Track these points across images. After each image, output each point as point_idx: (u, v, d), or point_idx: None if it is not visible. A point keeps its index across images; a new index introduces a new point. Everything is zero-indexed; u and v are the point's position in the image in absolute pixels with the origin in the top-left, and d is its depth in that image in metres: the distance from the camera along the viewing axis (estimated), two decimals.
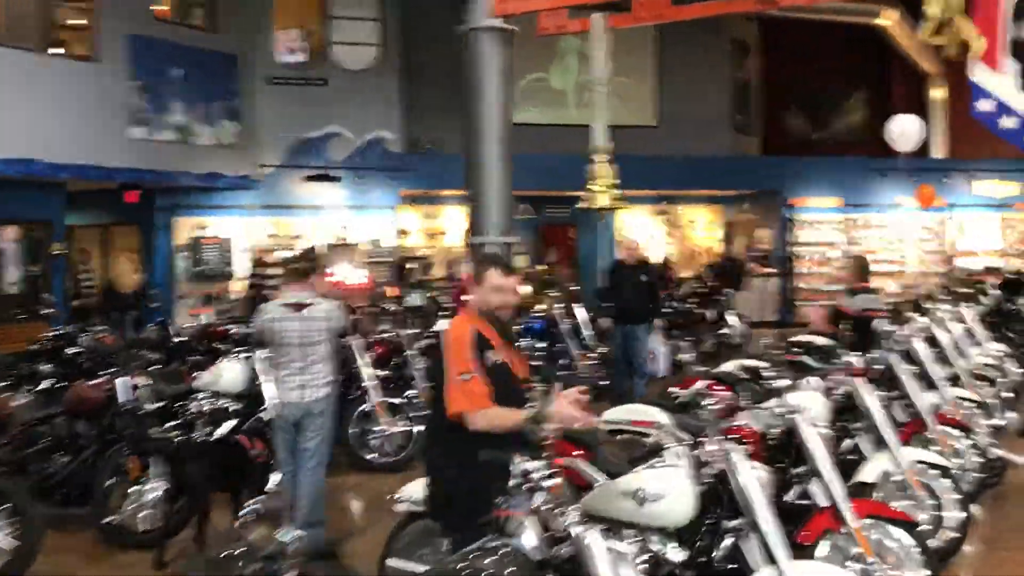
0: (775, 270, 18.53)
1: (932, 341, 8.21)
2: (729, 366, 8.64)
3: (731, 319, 14.41)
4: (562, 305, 11.10)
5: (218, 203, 15.69)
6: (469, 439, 3.54)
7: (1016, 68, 5.65)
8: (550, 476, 2.63)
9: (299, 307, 5.70)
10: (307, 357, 5.71)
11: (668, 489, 3.63)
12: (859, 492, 5.29)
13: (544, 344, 10.68)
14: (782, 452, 4.60)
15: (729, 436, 4.60)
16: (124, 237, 16.34)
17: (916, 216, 18.58)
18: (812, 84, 24.09)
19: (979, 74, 5.87)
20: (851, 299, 7.36)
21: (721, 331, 14.23)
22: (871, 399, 5.40)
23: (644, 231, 20.82)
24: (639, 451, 4.25)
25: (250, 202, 15.78)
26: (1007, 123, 5.86)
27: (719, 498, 3.75)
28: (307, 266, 5.85)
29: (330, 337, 5.83)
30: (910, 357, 7.44)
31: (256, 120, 15.72)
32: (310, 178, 15.68)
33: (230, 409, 6.98)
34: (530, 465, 2.61)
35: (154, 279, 15.60)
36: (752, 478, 3.62)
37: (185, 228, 15.79)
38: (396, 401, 7.74)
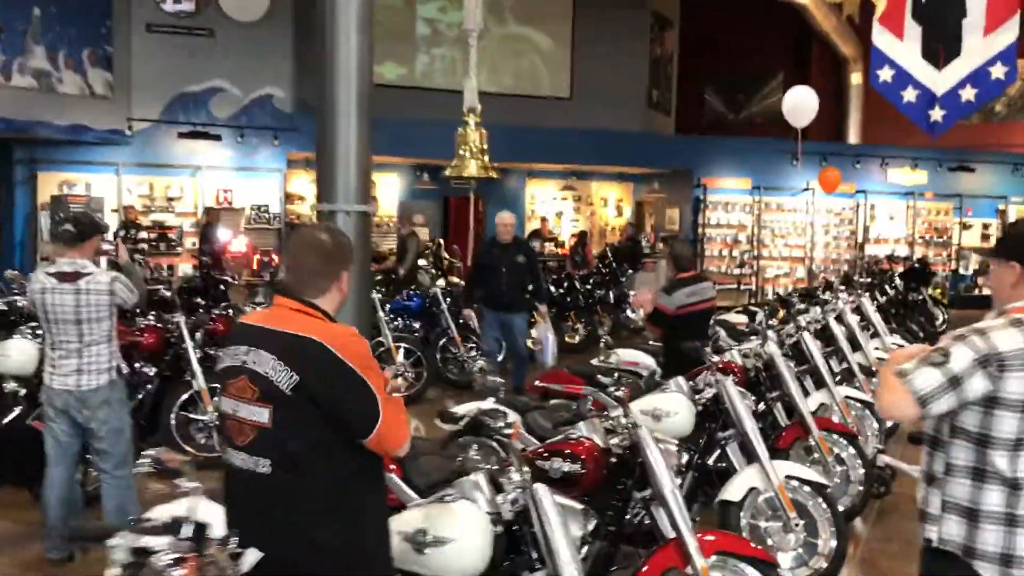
0: None
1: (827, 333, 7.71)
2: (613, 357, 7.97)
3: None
4: (444, 284, 10.29)
5: (87, 158, 14.35)
6: (373, 478, 2.67)
7: (919, 33, 4.98)
8: (180, 560, 1.76)
9: (75, 277, 4.74)
10: (83, 337, 4.76)
11: (456, 531, 2.83)
12: (724, 513, 4.63)
13: (421, 325, 9.85)
14: (626, 470, 3.85)
15: (564, 452, 3.88)
16: None
17: (828, 201, 18.22)
18: (731, 64, 23.63)
19: (881, 39, 5.20)
20: (669, 297, 6.47)
21: (624, 314, 13.60)
22: (739, 403, 4.70)
23: (553, 207, 20.19)
24: (443, 471, 3.45)
25: (123, 159, 14.49)
26: (909, 96, 5.20)
27: (523, 540, 2.97)
28: (84, 229, 4.86)
29: (112, 313, 4.89)
30: (800, 351, 6.88)
31: (132, 70, 14.41)
32: (185, 135, 14.46)
33: (20, 394, 6.06)
34: (153, 542, 1.74)
35: (12, 238, 14.33)
36: (557, 521, 2.84)
37: (50, 184, 14.43)
38: None
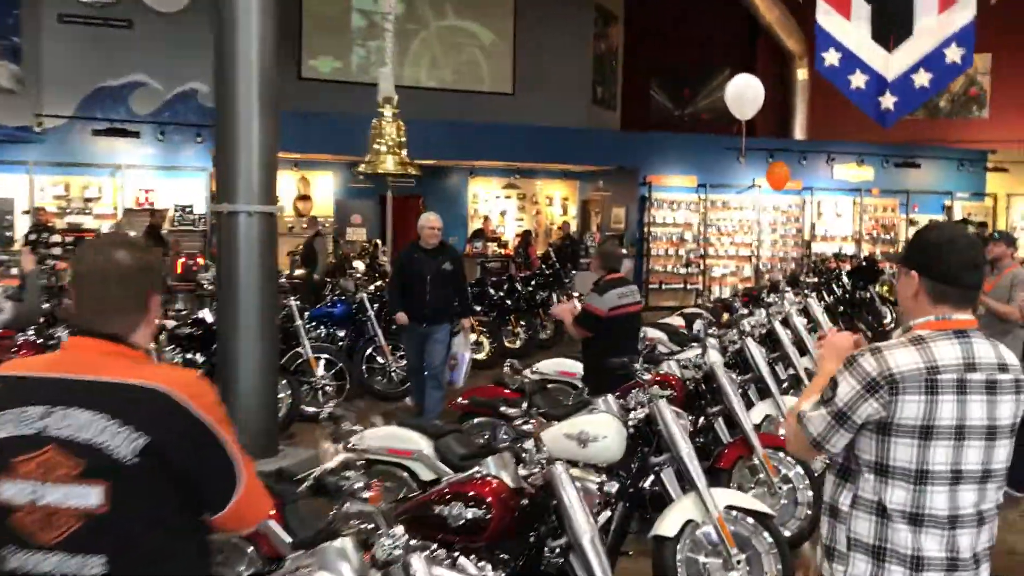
0: (627, 251, 17.56)
1: (773, 337, 7.28)
2: (547, 365, 7.43)
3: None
4: (374, 289, 9.66)
5: None
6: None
7: (868, 12, 4.53)
8: None
9: None
10: None
11: None
12: (658, 549, 4.12)
13: (346, 333, 9.21)
14: (539, 512, 3.31)
15: (468, 495, 3.32)
16: None
17: (774, 199, 17.93)
18: (677, 59, 23.31)
19: (826, 20, 4.74)
20: (600, 298, 5.99)
21: None
22: (675, 426, 4.19)
23: (497, 205, 19.66)
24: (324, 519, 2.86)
25: (35, 157, 13.64)
26: (858, 81, 4.74)
27: None
28: None
29: None
30: (744, 358, 6.43)
31: (42, 63, 13.56)
32: (101, 132, 13.65)
33: None
34: None
35: None
36: None
37: None
38: None
